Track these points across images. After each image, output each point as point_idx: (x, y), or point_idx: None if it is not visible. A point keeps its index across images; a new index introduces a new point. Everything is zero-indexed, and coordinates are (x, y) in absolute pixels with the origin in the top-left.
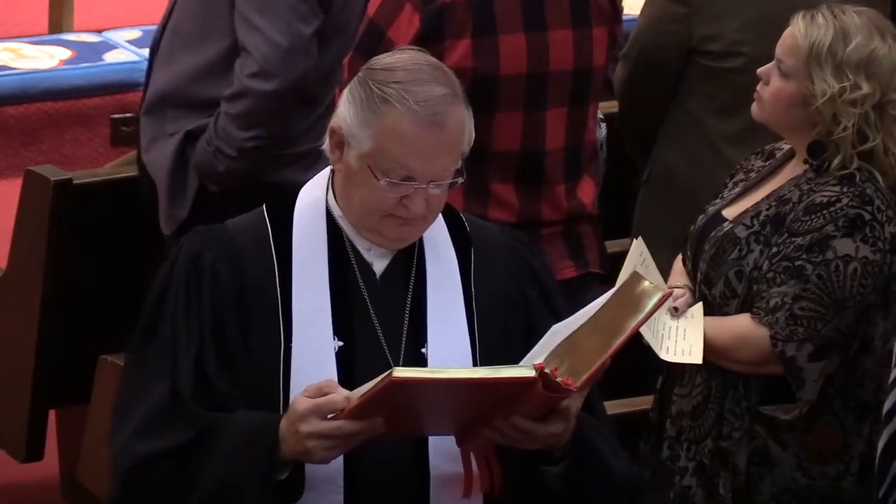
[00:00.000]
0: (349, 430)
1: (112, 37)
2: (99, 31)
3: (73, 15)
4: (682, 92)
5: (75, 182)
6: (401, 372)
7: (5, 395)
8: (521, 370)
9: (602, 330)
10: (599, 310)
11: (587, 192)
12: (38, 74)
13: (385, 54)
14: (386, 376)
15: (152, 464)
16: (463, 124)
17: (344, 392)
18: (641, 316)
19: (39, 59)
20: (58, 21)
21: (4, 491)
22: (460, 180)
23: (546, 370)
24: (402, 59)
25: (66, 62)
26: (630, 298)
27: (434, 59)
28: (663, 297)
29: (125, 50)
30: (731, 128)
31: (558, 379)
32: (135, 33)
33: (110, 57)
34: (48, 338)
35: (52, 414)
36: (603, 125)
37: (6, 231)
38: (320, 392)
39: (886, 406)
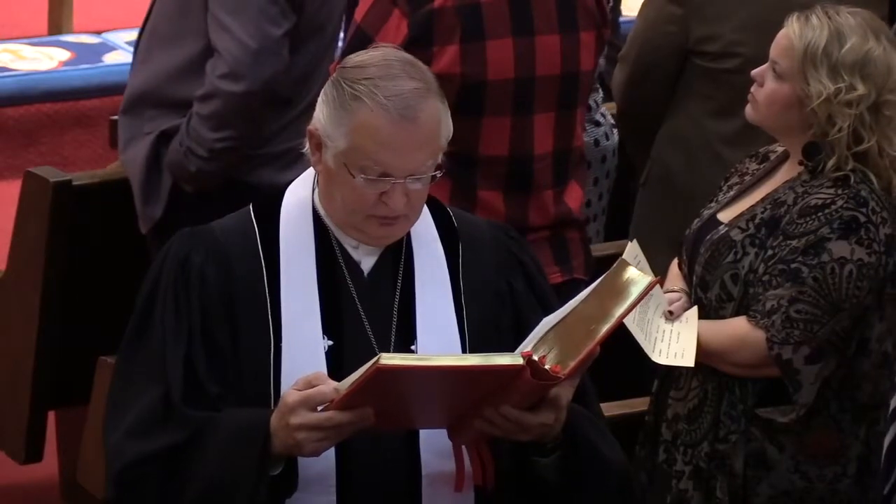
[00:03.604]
0: (339, 421)
1: (111, 38)
2: (98, 33)
3: (72, 16)
4: (679, 93)
5: (75, 183)
6: (388, 359)
7: (5, 396)
8: (509, 358)
9: (590, 318)
10: (587, 298)
11: (574, 197)
12: (37, 76)
13: (357, 53)
14: (373, 364)
15: (145, 464)
16: (437, 117)
17: (333, 383)
18: (629, 303)
19: (39, 60)
20: (57, 22)
21: (4, 492)
22: (439, 174)
23: (534, 358)
24: (373, 56)
25: (66, 63)
26: (617, 286)
27: (406, 55)
28: (650, 283)
29: (124, 51)
30: (728, 129)
31: (546, 366)
32: (134, 35)
33: (109, 58)
34: (48, 339)
35: (51, 415)
36: (615, 131)
37: (6, 232)
38: (309, 384)
39: (893, 404)
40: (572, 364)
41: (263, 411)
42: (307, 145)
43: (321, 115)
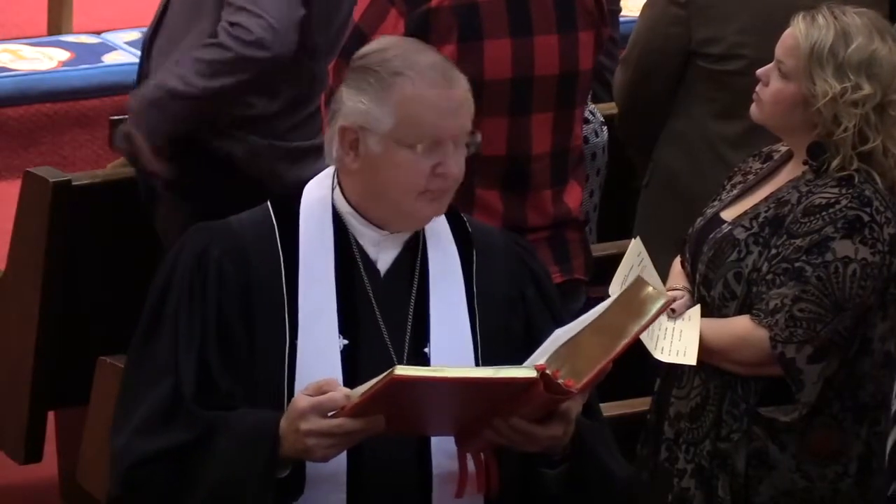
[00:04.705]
0: (350, 428)
1: (111, 38)
2: (98, 33)
3: (72, 16)
4: (682, 95)
5: (74, 183)
6: (402, 370)
7: (4, 397)
8: (523, 371)
9: (604, 333)
10: (602, 313)
11: (573, 197)
12: (37, 76)
13: (365, 46)
14: (387, 374)
15: (153, 463)
16: (466, 82)
17: (344, 390)
18: (644, 321)
19: (38, 60)
20: (57, 22)
21: (4, 492)
22: (479, 137)
23: (547, 371)
24: (386, 40)
25: (65, 64)
26: (633, 303)
27: (412, 38)
28: (666, 302)
29: (124, 51)
30: (731, 131)
31: (559, 381)
32: (133, 35)
33: (109, 58)
34: (47, 339)
35: (51, 415)
36: (604, 129)
37: (5, 232)
38: (320, 390)
39: (894, 405)
40: (585, 379)
41: (273, 414)
42: (334, 151)
43: (358, 104)
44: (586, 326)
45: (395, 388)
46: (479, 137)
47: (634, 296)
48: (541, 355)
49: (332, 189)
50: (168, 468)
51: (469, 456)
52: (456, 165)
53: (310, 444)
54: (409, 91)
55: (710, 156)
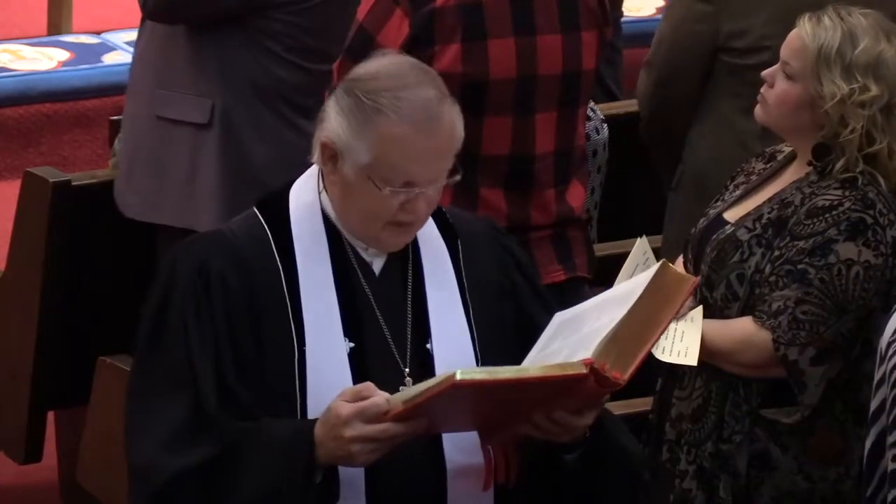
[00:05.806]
0: (395, 433)
1: (111, 38)
2: (97, 33)
3: (71, 16)
4: (708, 92)
5: (74, 183)
6: (463, 374)
7: (4, 397)
8: (574, 366)
9: (640, 323)
10: (635, 303)
11: (576, 196)
12: (36, 76)
13: (366, 61)
14: (447, 379)
15: (187, 478)
16: (454, 123)
17: (383, 394)
18: (676, 304)
19: (38, 60)
20: (56, 23)
21: (3, 492)
22: (457, 177)
23: (595, 365)
24: (384, 64)
25: (65, 64)
26: (662, 289)
27: (415, 61)
28: (693, 283)
29: (123, 51)
30: (759, 125)
31: (606, 373)
32: (133, 35)
33: (109, 58)
34: (47, 339)
35: (51, 415)
36: (605, 126)
37: (5, 232)
38: (359, 396)
39: (873, 405)
40: (630, 369)
41: (306, 422)
42: (315, 155)
43: (339, 128)
44: (622, 318)
45: (454, 392)
46: (458, 177)
47: (661, 281)
48: (545, 342)
49: (319, 193)
50: (201, 482)
51: (490, 449)
52: (425, 204)
53: (353, 450)
54: (387, 133)
55: (740, 152)
